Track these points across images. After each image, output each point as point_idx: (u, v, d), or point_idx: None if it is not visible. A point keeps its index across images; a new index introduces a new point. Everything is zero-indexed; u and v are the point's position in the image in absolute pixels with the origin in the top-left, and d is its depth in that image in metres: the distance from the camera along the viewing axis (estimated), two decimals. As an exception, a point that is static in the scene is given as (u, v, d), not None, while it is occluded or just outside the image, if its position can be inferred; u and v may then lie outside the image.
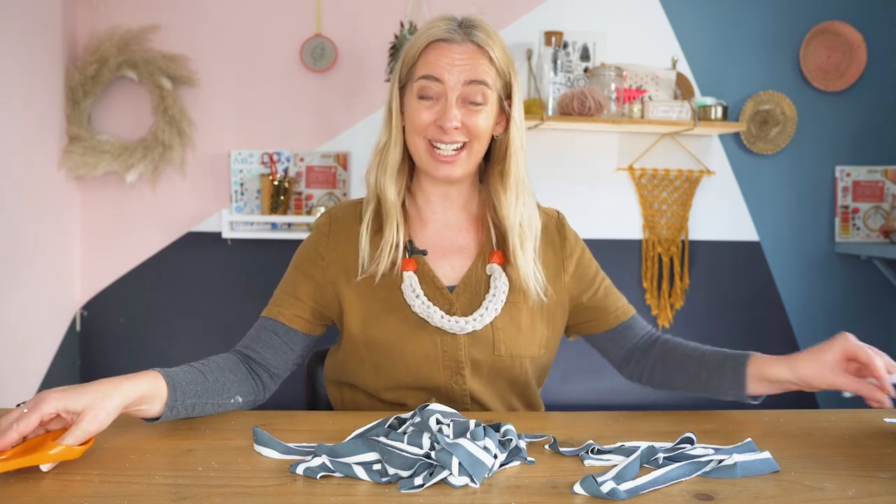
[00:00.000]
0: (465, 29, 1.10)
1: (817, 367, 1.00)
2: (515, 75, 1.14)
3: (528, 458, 0.86)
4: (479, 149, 1.12)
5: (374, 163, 1.16)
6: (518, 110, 1.14)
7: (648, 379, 1.22)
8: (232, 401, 1.06)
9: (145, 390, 0.91)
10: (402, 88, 1.14)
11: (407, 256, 1.14)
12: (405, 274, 1.13)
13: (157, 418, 0.95)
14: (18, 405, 0.82)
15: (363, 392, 1.18)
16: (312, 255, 1.18)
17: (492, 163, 1.18)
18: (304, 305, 1.16)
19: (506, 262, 1.15)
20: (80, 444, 0.81)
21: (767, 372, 1.05)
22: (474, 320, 1.10)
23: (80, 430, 0.81)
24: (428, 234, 1.18)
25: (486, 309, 1.11)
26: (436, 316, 1.10)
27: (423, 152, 1.11)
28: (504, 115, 1.14)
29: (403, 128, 1.14)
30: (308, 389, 1.42)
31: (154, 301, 2.72)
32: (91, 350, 2.70)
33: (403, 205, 1.17)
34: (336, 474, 0.79)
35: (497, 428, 0.90)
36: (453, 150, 1.10)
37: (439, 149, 1.10)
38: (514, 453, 0.86)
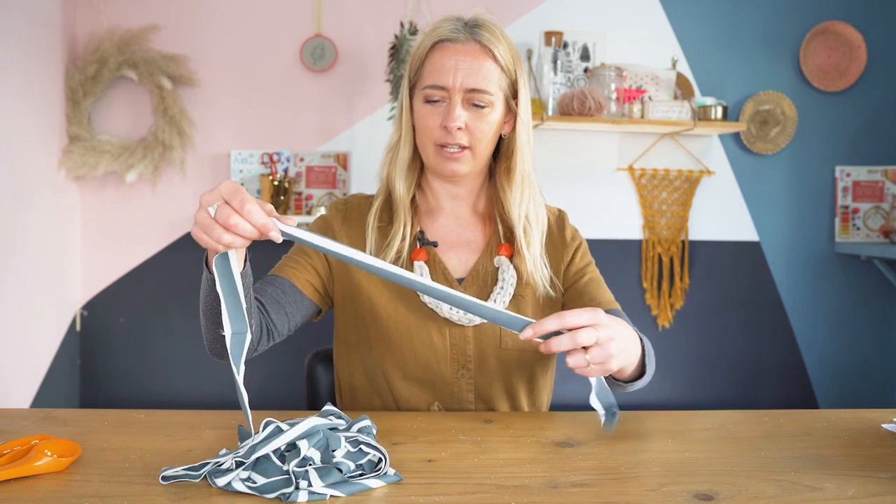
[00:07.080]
0: (470, 29, 1.11)
1: None
2: (522, 73, 1.15)
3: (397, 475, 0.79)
4: (483, 150, 1.13)
5: (387, 159, 1.19)
6: (525, 108, 1.15)
7: None
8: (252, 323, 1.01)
9: None
10: (412, 88, 1.15)
11: (418, 247, 1.16)
12: (416, 263, 1.15)
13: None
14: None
15: (362, 393, 1.18)
16: (326, 232, 1.18)
17: (499, 160, 1.19)
18: (313, 272, 1.16)
19: (513, 255, 1.16)
20: (65, 457, 0.80)
21: None
22: None
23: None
24: (437, 227, 1.20)
25: (495, 301, 1.13)
26: (444, 307, 1.12)
27: (431, 153, 1.13)
28: (511, 113, 1.15)
29: (414, 127, 1.16)
30: (308, 389, 1.42)
31: (154, 301, 2.72)
32: (91, 350, 2.70)
33: (414, 199, 1.19)
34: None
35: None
36: (458, 148, 1.11)
37: (445, 147, 1.11)
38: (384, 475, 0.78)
